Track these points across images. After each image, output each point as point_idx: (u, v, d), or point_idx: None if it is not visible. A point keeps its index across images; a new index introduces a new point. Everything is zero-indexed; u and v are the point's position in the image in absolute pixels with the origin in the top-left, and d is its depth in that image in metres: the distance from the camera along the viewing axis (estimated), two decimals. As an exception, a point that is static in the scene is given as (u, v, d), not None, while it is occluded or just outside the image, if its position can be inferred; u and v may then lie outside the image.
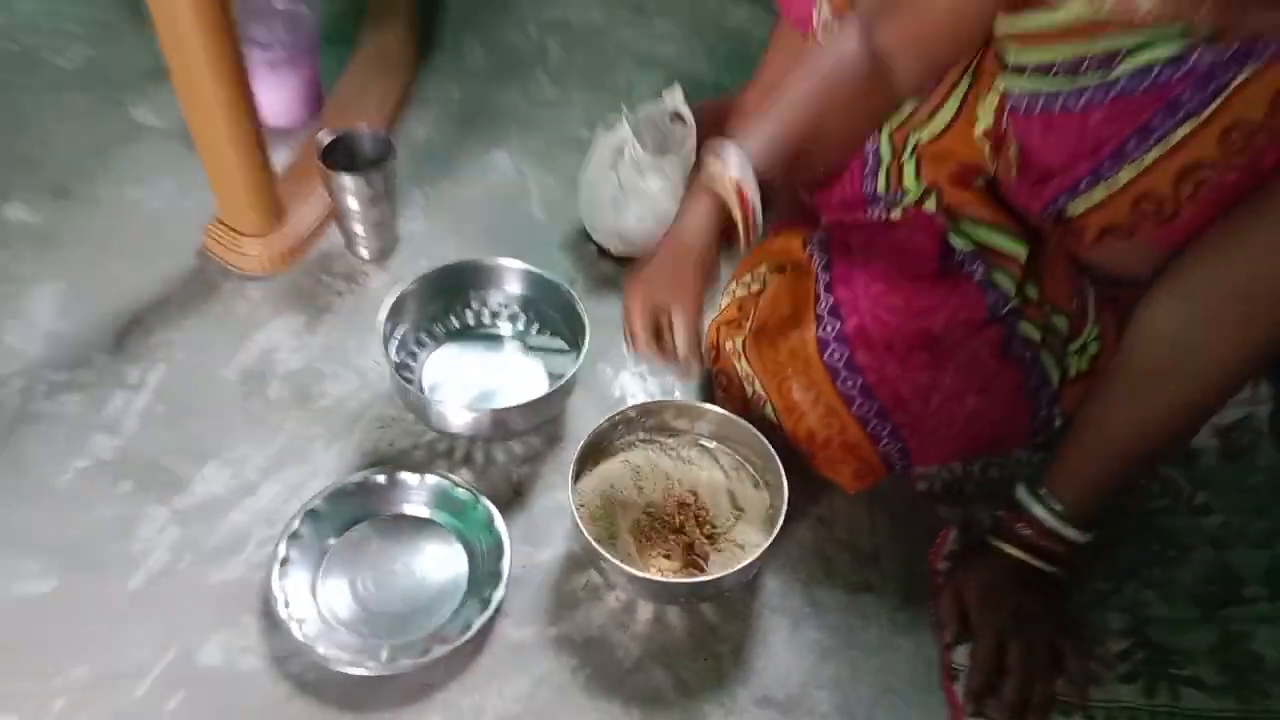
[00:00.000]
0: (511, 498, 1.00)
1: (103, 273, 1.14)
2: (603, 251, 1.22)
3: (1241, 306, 0.76)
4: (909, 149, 0.99)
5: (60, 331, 1.09)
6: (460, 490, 0.96)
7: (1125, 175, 0.81)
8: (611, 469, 0.99)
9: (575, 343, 1.05)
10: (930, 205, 0.96)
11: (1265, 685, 0.91)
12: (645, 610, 0.93)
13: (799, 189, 1.12)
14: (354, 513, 0.96)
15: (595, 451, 0.98)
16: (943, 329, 0.90)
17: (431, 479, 0.97)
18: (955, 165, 0.96)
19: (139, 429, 1.01)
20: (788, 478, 0.93)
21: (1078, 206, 0.86)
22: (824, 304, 0.95)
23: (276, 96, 1.24)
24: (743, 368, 1.00)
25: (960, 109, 0.94)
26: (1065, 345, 0.95)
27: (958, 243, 0.93)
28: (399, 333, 1.06)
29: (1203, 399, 0.82)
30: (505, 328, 1.12)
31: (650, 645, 0.91)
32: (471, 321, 1.12)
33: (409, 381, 1.03)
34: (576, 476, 0.94)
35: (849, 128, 0.97)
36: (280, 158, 1.21)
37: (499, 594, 0.89)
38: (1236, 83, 0.73)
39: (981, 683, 0.88)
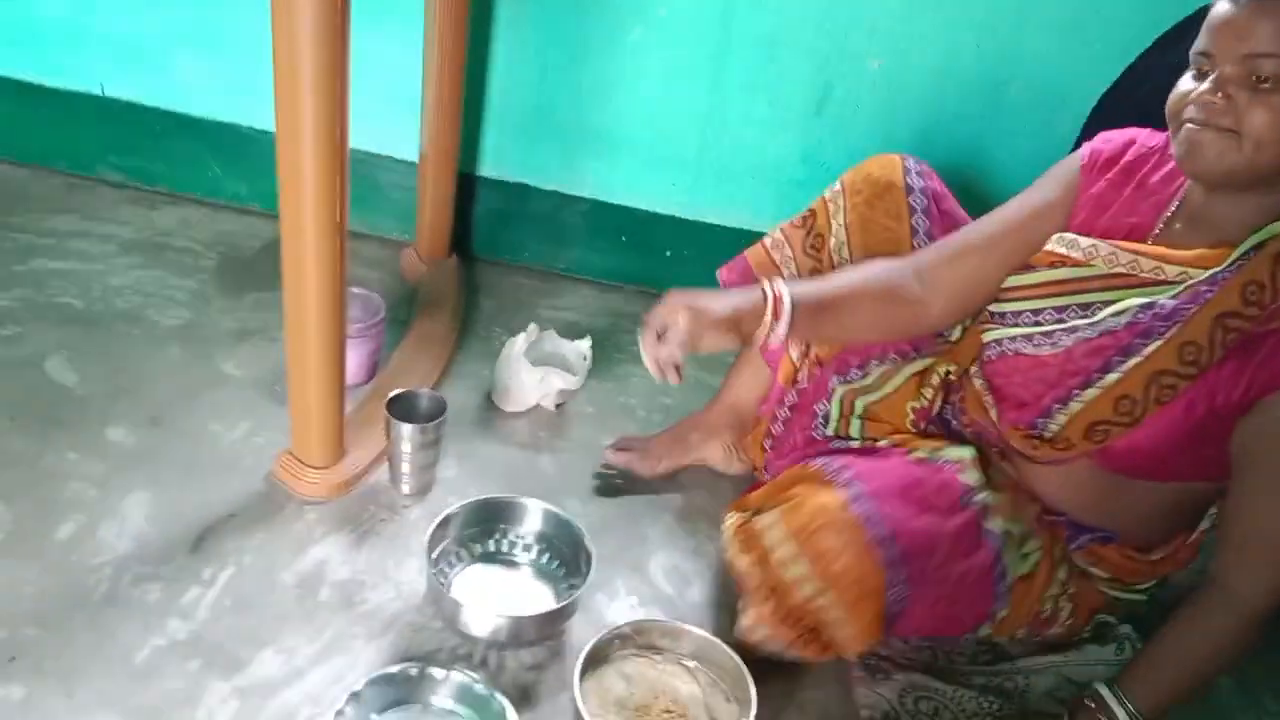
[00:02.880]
0: (520, 698, 1.18)
1: (186, 489, 1.37)
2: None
3: (1270, 552, 1.05)
4: (856, 410, 1.31)
5: (147, 532, 1.29)
6: (479, 687, 1.14)
7: (1113, 377, 1.10)
8: (607, 676, 1.18)
9: (580, 571, 1.28)
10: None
11: None
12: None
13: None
14: (390, 698, 1.13)
15: (595, 659, 1.17)
16: (933, 495, 1.13)
17: (456, 675, 1.15)
18: (889, 428, 1.28)
19: (209, 617, 1.20)
20: (757, 695, 1.13)
21: (1059, 420, 1.14)
22: (844, 476, 1.14)
23: (349, 360, 1.52)
24: (768, 540, 1.15)
25: (902, 386, 1.29)
26: (1018, 548, 1.19)
27: (920, 453, 1.20)
28: (438, 549, 1.28)
29: (1240, 630, 1.07)
30: (522, 556, 1.35)
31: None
32: (493, 548, 1.34)
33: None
34: (580, 677, 1.13)
35: (869, 319, 1.23)
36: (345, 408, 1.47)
37: (508, 775, 1.06)
38: (1189, 314, 1.05)
39: None
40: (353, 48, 1.82)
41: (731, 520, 1.22)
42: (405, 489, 1.42)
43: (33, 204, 1.92)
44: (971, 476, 1.18)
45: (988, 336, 1.23)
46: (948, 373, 1.30)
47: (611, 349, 1.84)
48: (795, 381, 1.39)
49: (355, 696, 1.11)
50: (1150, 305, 1.09)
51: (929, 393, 1.30)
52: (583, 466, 1.55)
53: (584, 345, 1.66)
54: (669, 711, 1.16)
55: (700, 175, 1.93)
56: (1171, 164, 1.13)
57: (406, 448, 1.37)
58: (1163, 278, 1.09)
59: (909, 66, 1.78)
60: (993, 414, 1.22)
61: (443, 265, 1.89)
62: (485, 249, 2.04)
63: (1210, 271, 1.06)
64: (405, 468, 1.40)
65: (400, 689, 1.14)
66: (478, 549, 1.34)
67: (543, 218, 2.00)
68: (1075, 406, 1.13)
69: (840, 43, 1.77)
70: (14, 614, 1.16)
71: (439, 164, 1.80)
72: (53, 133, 2.00)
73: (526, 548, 1.35)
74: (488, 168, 1.97)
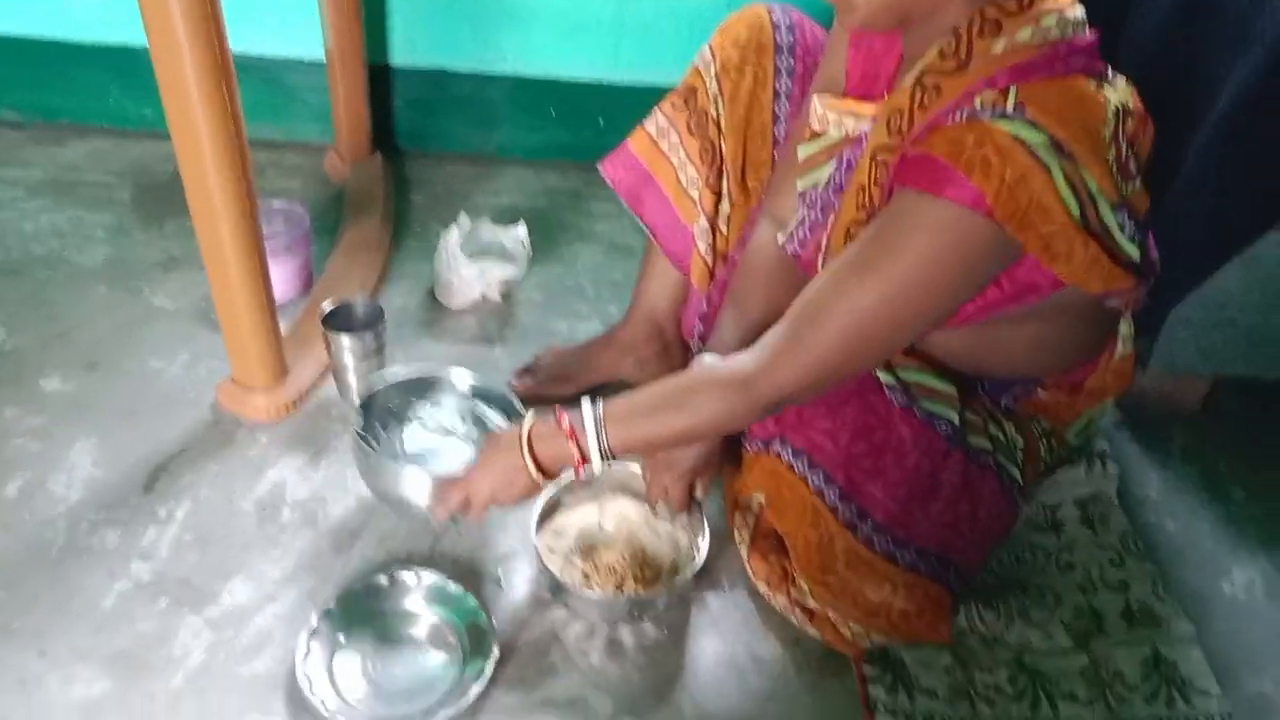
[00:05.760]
0: (494, 589, 1.18)
1: (132, 429, 1.33)
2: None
3: (813, 327, 0.96)
4: None
5: (97, 478, 1.27)
6: (451, 586, 1.14)
7: (825, 238, 1.07)
8: (568, 521, 1.25)
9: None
10: None
11: (1127, 695, 1.11)
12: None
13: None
14: (363, 610, 1.13)
15: (554, 508, 1.23)
16: (926, 462, 1.06)
17: (427, 578, 1.15)
18: None
19: (171, 555, 1.19)
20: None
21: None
22: (848, 512, 1.06)
23: (278, 276, 1.46)
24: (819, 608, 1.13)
25: None
26: (1008, 450, 1.13)
27: (884, 378, 1.08)
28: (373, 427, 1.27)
29: (743, 414, 1.01)
30: (460, 427, 1.32)
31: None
32: (430, 425, 1.32)
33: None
34: (540, 523, 1.19)
35: (778, 298, 1.12)
36: (281, 326, 1.42)
37: (489, 668, 1.06)
38: (858, 160, 1.02)
39: None
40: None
41: (759, 570, 1.19)
42: (355, 400, 1.39)
43: (-70, 157, 1.83)
44: (947, 412, 1.08)
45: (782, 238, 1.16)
46: None
47: (555, 229, 1.79)
48: (712, 278, 1.31)
49: (328, 614, 1.10)
50: (842, 161, 1.06)
51: None
52: (537, 353, 1.52)
53: (520, 231, 1.61)
54: (635, 555, 1.21)
55: (621, 36, 1.84)
56: None
57: (348, 359, 1.34)
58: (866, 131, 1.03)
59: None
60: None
61: (367, 164, 1.82)
62: (410, 141, 1.96)
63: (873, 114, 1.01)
64: (351, 379, 1.37)
65: (373, 599, 1.14)
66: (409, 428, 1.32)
67: (465, 101, 1.91)
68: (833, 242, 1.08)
69: None
70: (-28, 579, 1.15)
71: (346, 58, 1.71)
72: (-63, 78, 1.90)
73: (463, 417, 1.33)
74: (400, 56, 1.87)
